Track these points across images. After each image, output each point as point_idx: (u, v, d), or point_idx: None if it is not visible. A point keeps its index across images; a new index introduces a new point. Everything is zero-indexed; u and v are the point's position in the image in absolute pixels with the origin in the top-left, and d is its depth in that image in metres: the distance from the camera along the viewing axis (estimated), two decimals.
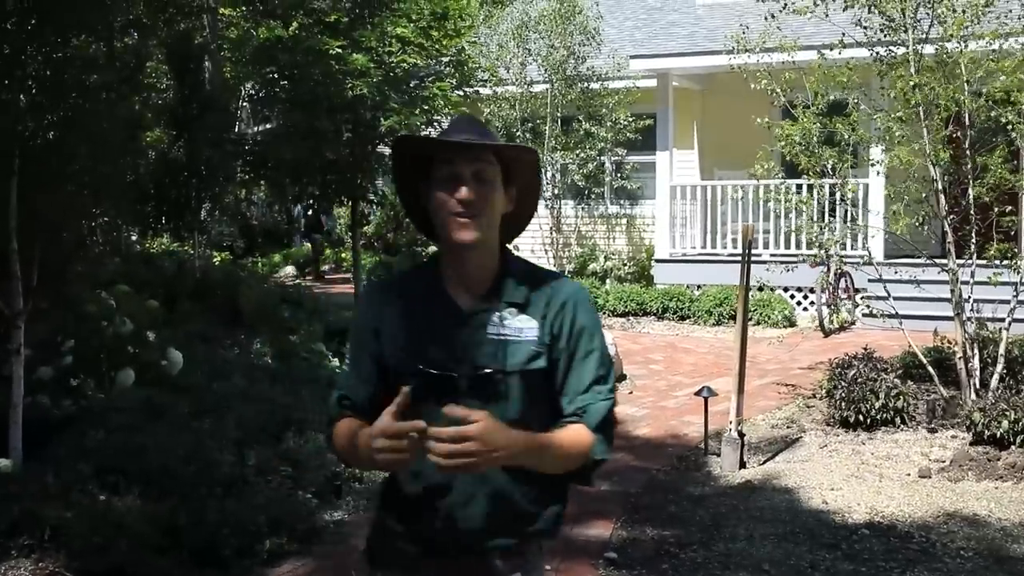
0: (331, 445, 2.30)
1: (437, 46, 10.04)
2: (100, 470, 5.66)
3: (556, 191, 17.17)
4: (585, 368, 2.22)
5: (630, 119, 16.39)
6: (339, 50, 9.09)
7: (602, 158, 17.04)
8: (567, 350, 2.22)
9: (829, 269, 12.45)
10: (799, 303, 14.07)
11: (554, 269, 2.08)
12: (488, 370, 2.16)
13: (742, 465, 6.95)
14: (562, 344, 2.21)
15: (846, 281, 13.09)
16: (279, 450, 6.43)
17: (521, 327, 2.20)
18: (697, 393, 7.20)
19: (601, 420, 2.20)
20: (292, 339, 9.46)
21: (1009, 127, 7.72)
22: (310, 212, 20.19)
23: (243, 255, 19.75)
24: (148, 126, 12.14)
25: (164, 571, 4.86)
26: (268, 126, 11.76)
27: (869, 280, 10.46)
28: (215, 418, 6.78)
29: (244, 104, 14.09)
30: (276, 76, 10.25)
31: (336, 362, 9.10)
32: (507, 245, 2.32)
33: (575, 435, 2.17)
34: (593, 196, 17.52)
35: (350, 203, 10.72)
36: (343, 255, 20.98)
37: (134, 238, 14.22)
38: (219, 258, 16.19)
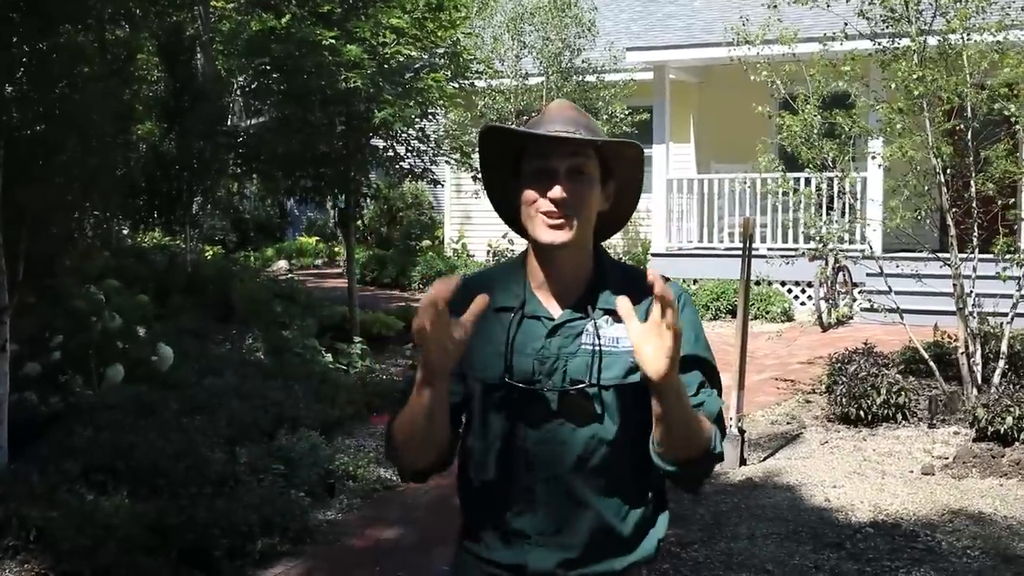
0: (389, 447, 2.04)
1: (432, 37, 9.91)
2: (88, 469, 5.54)
3: None
4: (691, 374, 1.97)
5: (626, 112, 16.26)
6: (332, 41, 8.93)
7: None
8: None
9: (828, 263, 12.36)
10: (797, 297, 13.97)
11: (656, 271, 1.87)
12: (581, 384, 1.95)
13: (743, 462, 6.84)
14: None
15: (844, 275, 13.00)
16: (271, 448, 6.32)
17: (617, 336, 1.96)
18: None
19: (718, 415, 1.98)
20: (285, 334, 9.34)
21: (1013, 120, 7.62)
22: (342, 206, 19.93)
23: (235, 249, 19.60)
24: (139, 119, 11.99)
25: (152, 573, 4.76)
26: (261, 119, 11.63)
27: (868, 274, 10.36)
28: (206, 415, 6.67)
29: (237, 97, 13.94)
30: (268, 68, 10.11)
31: (329, 357, 8.97)
32: (602, 245, 2.11)
33: (701, 418, 1.93)
34: None
35: (343, 196, 10.59)
36: (336, 249, 20.84)
37: (125, 232, 14.07)
38: (211, 252, 16.05)
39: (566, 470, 1.97)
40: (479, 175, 2.20)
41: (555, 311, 2.02)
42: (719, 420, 1.99)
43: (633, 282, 1.98)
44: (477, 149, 2.13)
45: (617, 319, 1.92)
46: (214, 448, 6.05)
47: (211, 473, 5.68)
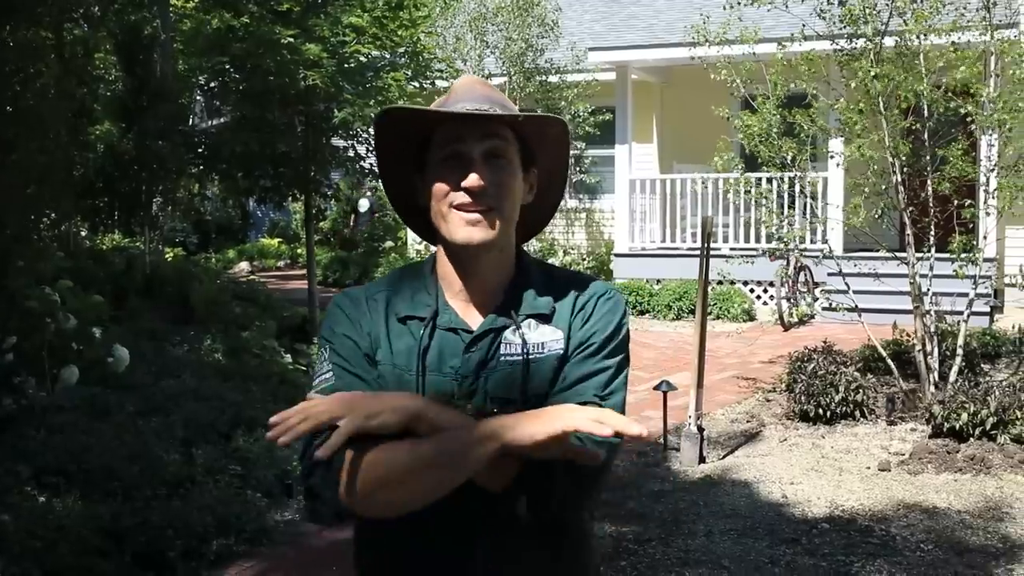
0: (339, 490, 1.65)
1: (392, 36, 9.88)
2: (40, 471, 5.46)
3: None
4: (585, 366, 1.75)
5: (589, 112, 16.30)
6: (291, 40, 8.90)
7: None
8: (576, 345, 1.77)
9: (789, 263, 12.44)
10: (759, 297, 14.05)
11: (585, 272, 1.75)
12: (506, 402, 1.70)
13: (702, 460, 6.86)
14: (581, 348, 1.76)
15: (806, 275, 13.09)
16: (228, 449, 6.26)
17: (543, 340, 1.75)
18: (656, 387, 7.10)
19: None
20: (244, 336, 9.26)
21: (969, 119, 7.70)
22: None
23: (197, 251, 19.46)
24: (96, 118, 11.86)
25: (106, 575, 4.69)
26: (223, 119, 11.53)
27: (829, 273, 10.45)
28: (162, 417, 6.59)
29: (198, 98, 13.83)
30: (228, 67, 10.04)
31: (289, 358, 8.91)
32: (521, 246, 1.88)
33: None
34: None
35: (303, 197, 10.53)
36: (299, 251, 20.73)
37: (84, 234, 13.91)
38: (172, 254, 15.91)
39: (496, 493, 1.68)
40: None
41: (474, 322, 1.77)
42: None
43: (558, 282, 1.82)
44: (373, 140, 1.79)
45: (543, 321, 1.76)
46: (170, 450, 5.99)
47: (166, 475, 5.62)
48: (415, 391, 1.70)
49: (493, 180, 1.70)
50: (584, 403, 1.67)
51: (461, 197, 1.69)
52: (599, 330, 1.77)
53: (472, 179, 1.67)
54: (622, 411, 1.69)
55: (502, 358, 1.73)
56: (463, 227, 1.70)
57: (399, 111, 1.76)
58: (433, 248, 1.87)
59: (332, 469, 1.63)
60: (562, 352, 1.75)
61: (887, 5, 7.91)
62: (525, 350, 1.73)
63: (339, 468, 1.63)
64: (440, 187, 1.71)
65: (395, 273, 1.90)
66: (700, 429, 6.91)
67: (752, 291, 14.06)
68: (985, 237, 8.41)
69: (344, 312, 1.79)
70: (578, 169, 17.16)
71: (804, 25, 8.15)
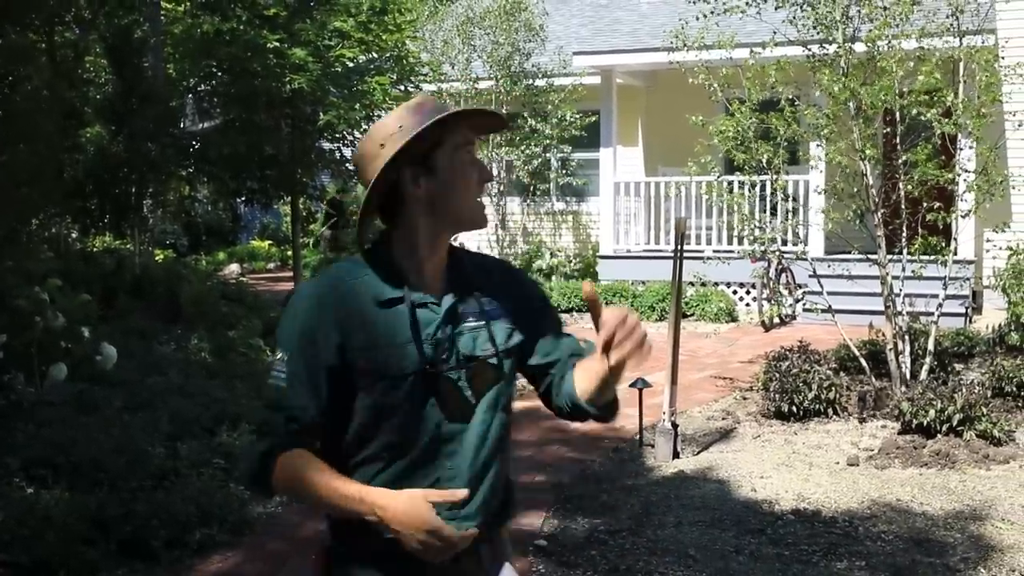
0: (265, 476, 2.02)
1: (377, 41, 10.04)
2: (28, 463, 5.62)
3: (501, 188, 17.22)
4: (556, 320, 2.29)
5: (575, 116, 16.48)
6: (278, 44, 9.05)
7: (547, 155, 17.12)
8: (533, 312, 2.23)
9: (769, 264, 12.61)
10: (741, 298, 14.23)
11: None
12: (483, 356, 2.09)
13: (676, 456, 7.02)
14: (524, 309, 2.20)
15: (787, 276, 13.26)
16: (212, 443, 6.42)
17: (491, 309, 2.14)
18: (632, 385, 7.27)
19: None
20: (230, 335, 9.42)
21: (932, 124, 7.89)
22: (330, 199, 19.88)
23: (187, 253, 19.58)
24: (87, 121, 12.00)
25: (92, 563, 4.84)
26: (214, 122, 11.66)
27: (810, 275, 10.63)
28: (148, 412, 6.75)
29: (188, 100, 13.95)
30: (216, 70, 10.19)
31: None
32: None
33: None
34: (539, 193, 17.59)
35: (290, 199, 10.68)
36: (289, 253, 20.86)
37: (74, 235, 14.05)
38: (162, 256, 16.05)
39: (476, 442, 2.07)
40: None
41: (436, 296, 2.09)
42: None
43: (475, 260, 2.22)
44: (401, 139, 2.03)
45: (484, 294, 2.14)
46: (155, 444, 6.15)
47: (151, 467, 5.77)
48: (406, 359, 2.02)
49: None
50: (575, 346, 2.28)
51: (481, 190, 2.11)
52: (532, 294, 2.28)
53: (490, 173, 2.12)
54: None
55: (469, 324, 2.10)
56: (481, 214, 2.12)
57: (465, 114, 2.09)
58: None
59: (261, 454, 2.05)
60: (505, 316, 2.15)
61: (857, 12, 8.09)
62: (483, 317, 2.11)
63: (266, 454, 2.04)
64: (471, 180, 2.08)
65: (349, 265, 2.14)
66: (674, 425, 7.08)
67: (734, 292, 14.24)
68: (956, 239, 8.60)
69: (309, 310, 2.06)
70: (564, 172, 17.33)
71: (775, 32, 8.33)
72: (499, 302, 2.16)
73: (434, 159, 2.04)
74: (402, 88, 10.87)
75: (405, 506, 1.89)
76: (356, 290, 2.04)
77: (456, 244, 2.22)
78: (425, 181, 2.04)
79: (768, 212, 11.78)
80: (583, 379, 2.11)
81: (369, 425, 2.03)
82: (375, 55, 10.22)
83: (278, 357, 2.04)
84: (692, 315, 13.56)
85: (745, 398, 8.85)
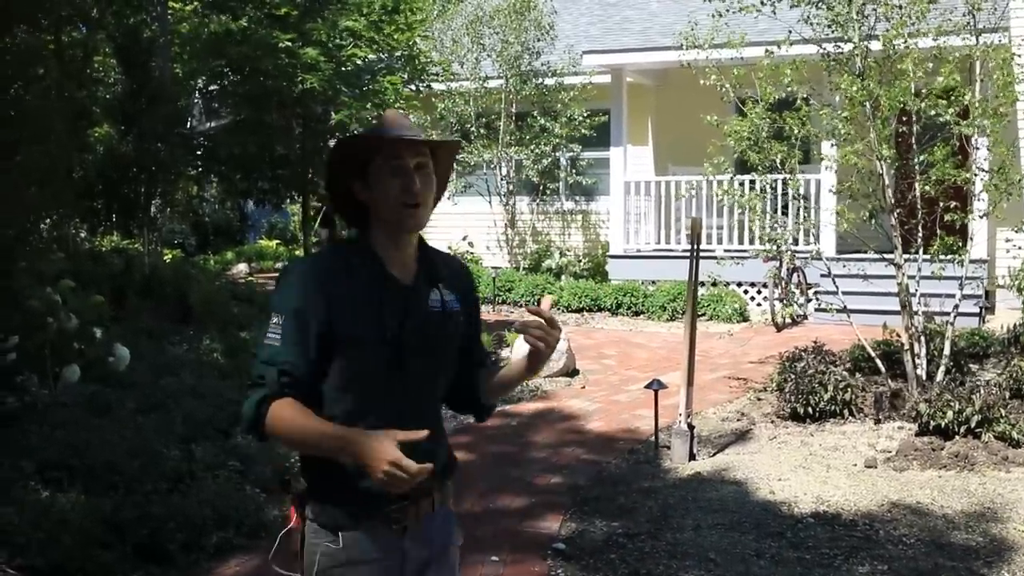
0: (259, 421, 2.31)
1: (389, 40, 10.00)
2: (43, 466, 5.59)
3: (511, 187, 17.16)
4: (480, 322, 2.69)
5: (585, 115, 16.42)
6: (289, 43, 9.02)
7: (557, 154, 17.05)
8: (474, 311, 2.64)
9: (782, 264, 12.56)
10: (752, 298, 14.17)
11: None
12: (442, 335, 2.47)
13: (692, 457, 6.99)
14: (470, 307, 2.60)
15: (799, 276, 13.21)
16: (227, 445, 6.38)
17: (450, 299, 2.51)
18: (647, 386, 7.23)
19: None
20: (242, 335, 9.39)
21: (952, 124, 7.83)
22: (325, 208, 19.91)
23: (195, 252, 19.55)
24: (96, 121, 11.98)
25: (108, 566, 4.81)
26: (222, 122, 11.64)
27: (822, 275, 10.57)
28: (162, 414, 6.72)
29: (196, 100, 13.94)
30: (226, 70, 10.16)
31: None
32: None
33: None
34: (548, 192, 17.54)
35: (301, 198, 10.65)
36: (297, 252, 20.84)
37: (83, 235, 14.03)
38: (170, 255, 16.03)
39: (433, 400, 2.54)
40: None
41: (406, 281, 2.45)
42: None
43: (441, 256, 2.58)
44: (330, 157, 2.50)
45: (447, 286, 2.51)
46: (169, 446, 6.11)
47: (166, 470, 5.74)
48: (377, 331, 2.36)
49: (425, 184, 2.39)
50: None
51: (410, 198, 2.36)
52: (476, 295, 2.69)
53: (416, 185, 2.36)
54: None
55: (432, 308, 2.46)
56: (410, 218, 2.39)
57: (356, 138, 2.47)
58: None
59: (256, 401, 2.32)
60: (460, 308, 2.53)
61: (873, 10, 8.03)
62: (443, 304, 2.48)
63: (260, 402, 2.31)
64: (391, 191, 2.36)
65: (337, 248, 2.54)
66: (690, 427, 7.04)
67: (746, 292, 14.18)
68: (972, 239, 8.53)
69: (303, 284, 2.36)
70: (574, 171, 17.27)
71: (790, 31, 8.27)
72: (456, 293, 2.53)
73: (367, 171, 2.39)
74: (413, 87, 10.84)
75: (376, 441, 2.16)
76: (341, 269, 2.39)
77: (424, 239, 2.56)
78: (364, 190, 2.41)
79: (780, 211, 11.73)
80: (496, 375, 2.58)
81: (339, 387, 2.36)
82: (386, 55, 10.17)
83: (273, 321, 2.34)
84: (704, 315, 13.49)
85: (760, 399, 8.80)
